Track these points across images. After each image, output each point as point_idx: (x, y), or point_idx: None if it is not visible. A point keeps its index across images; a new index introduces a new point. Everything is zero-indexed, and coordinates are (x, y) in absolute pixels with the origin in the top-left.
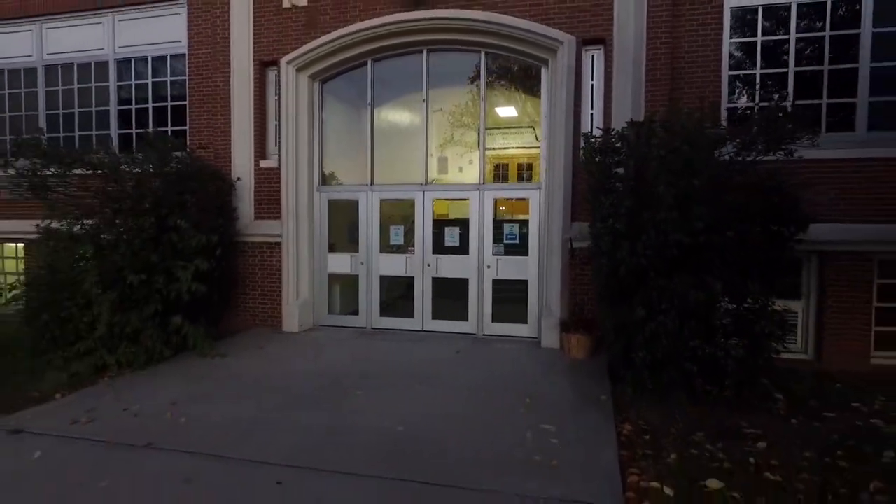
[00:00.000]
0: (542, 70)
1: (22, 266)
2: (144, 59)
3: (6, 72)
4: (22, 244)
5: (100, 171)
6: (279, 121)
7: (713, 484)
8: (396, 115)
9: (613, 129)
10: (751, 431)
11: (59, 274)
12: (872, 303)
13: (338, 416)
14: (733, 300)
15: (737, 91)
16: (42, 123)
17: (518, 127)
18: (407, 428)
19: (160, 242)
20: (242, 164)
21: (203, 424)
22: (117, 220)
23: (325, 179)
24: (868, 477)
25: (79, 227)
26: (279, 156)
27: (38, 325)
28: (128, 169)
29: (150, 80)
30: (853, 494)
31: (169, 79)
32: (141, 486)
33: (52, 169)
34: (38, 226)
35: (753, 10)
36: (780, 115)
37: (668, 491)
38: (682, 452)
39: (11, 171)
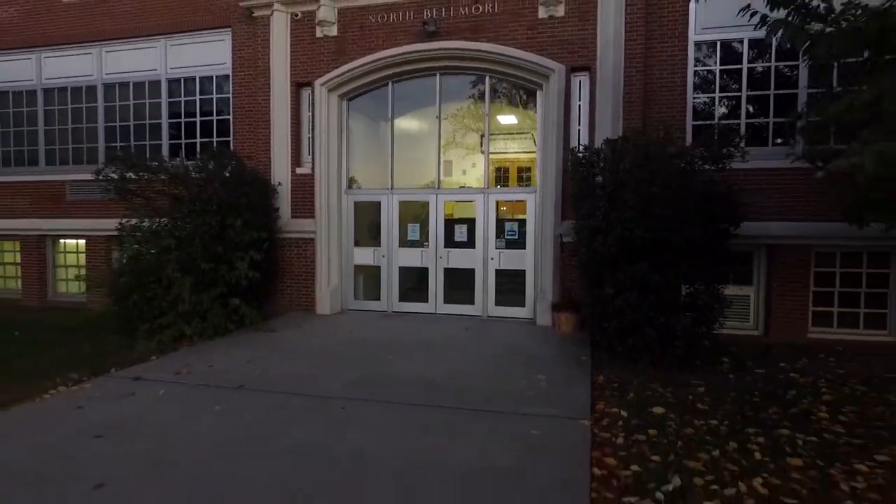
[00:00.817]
0: (538, 91)
1: (83, 260)
2: (193, 78)
3: (69, 89)
4: (84, 240)
5: (165, 177)
6: (312, 133)
7: (657, 410)
8: (413, 128)
9: (594, 147)
10: (696, 382)
11: (144, 262)
12: (810, 287)
13: (377, 371)
14: (686, 282)
15: (700, 111)
16: (101, 135)
17: (518, 133)
18: (433, 378)
19: (222, 237)
20: (281, 170)
21: (274, 375)
22: (188, 219)
23: (351, 184)
24: (769, 406)
25: (156, 224)
26: (312, 164)
27: (128, 304)
28: (195, 175)
29: (197, 97)
30: (756, 416)
31: (214, 96)
32: (247, 410)
33: (130, 175)
34: (120, 224)
35: (713, 43)
36: (715, 136)
37: (623, 413)
38: (639, 394)
39: (103, 178)
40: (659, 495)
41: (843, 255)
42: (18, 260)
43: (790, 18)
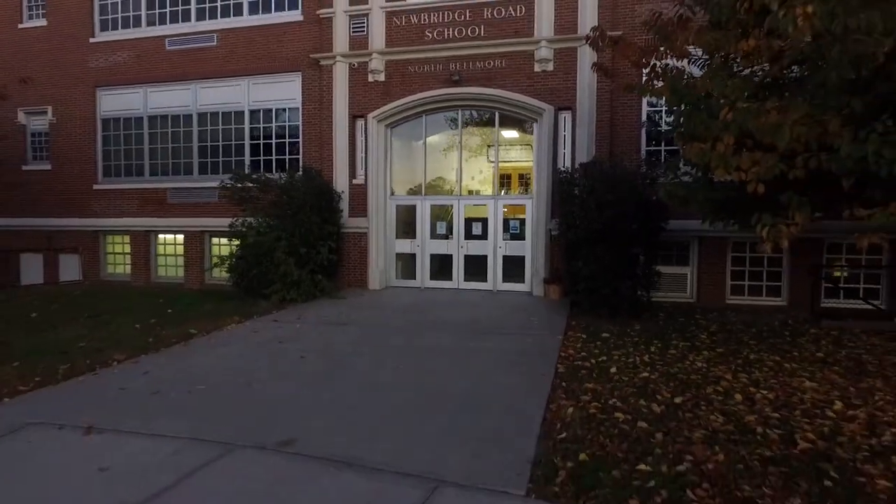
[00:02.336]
0: (534, 123)
1: (180, 250)
2: (270, 110)
3: (170, 117)
4: (182, 235)
5: (269, 188)
6: (365, 153)
7: (604, 335)
8: (440, 149)
9: (573, 168)
10: (635, 324)
11: (260, 248)
12: (728, 267)
13: (425, 318)
14: (630, 260)
15: (650, 140)
16: (195, 152)
17: (521, 146)
18: (464, 320)
19: (311, 230)
20: (341, 181)
21: (361, 320)
22: (290, 218)
23: (393, 191)
24: (674, 334)
25: (261, 221)
26: (365, 176)
27: (248, 278)
28: (294, 183)
29: (273, 124)
30: (662, 337)
31: (287, 124)
32: (356, 333)
33: (247, 184)
34: (232, 223)
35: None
36: (661, 160)
37: (582, 336)
38: (595, 328)
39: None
40: (592, 362)
41: (752, 244)
42: (128, 250)
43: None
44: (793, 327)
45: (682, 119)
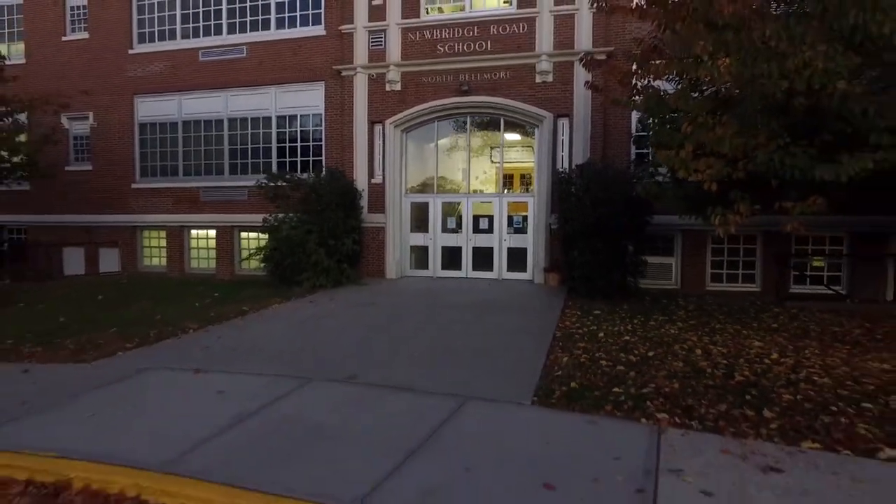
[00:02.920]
0: (536, 128)
1: (211, 244)
2: (295, 116)
3: (202, 122)
4: (214, 230)
5: (298, 186)
6: (382, 155)
7: (595, 312)
8: (450, 151)
9: (570, 169)
10: (624, 304)
11: (291, 241)
12: (708, 257)
13: (439, 301)
14: (621, 251)
15: (639, 144)
16: (226, 154)
17: (522, 148)
18: (474, 302)
19: (336, 225)
20: (361, 180)
21: (384, 303)
22: (318, 214)
23: (408, 189)
24: (656, 312)
25: (291, 217)
26: (382, 176)
27: (283, 266)
28: (321, 183)
29: (298, 129)
30: (645, 314)
31: (310, 128)
32: (384, 311)
33: (274, 184)
34: (265, 219)
35: None
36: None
37: (578, 313)
38: (589, 307)
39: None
40: (584, 330)
41: (729, 237)
42: (163, 244)
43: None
44: (760, 307)
45: (654, 130)
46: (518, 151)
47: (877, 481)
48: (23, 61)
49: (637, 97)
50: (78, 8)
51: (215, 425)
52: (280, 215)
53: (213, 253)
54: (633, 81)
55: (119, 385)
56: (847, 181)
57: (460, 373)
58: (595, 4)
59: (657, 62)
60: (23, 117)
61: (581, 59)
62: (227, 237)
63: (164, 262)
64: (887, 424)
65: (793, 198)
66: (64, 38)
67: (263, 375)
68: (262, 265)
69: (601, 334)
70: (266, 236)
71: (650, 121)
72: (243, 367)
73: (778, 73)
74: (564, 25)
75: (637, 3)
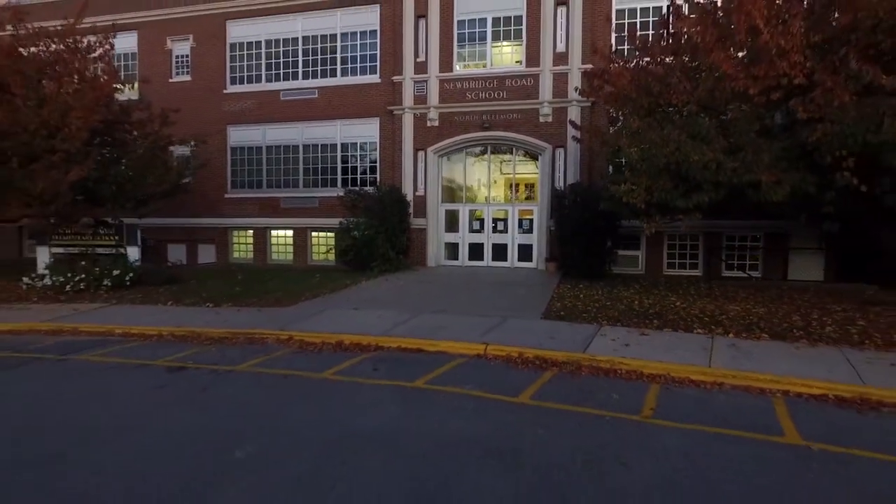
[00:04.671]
0: (540, 155)
1: (290, 241)
2: (355, 143)
3: (282, 146)
4: (291, 231)
5: (366, 197)
6: (424, 174)
7: (581, 285)
8: (475, 171)
9: (564, 187)
10: (601, 283)
11: (364, 238)
12: (664, 250)
13: (472, 279)
14: (601, 247)
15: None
16: (301, 171)
17: (529, 168)
18: (496, 281)
19: (394, 226)
20: (408, 193)
21: (432, 280)
22: (384, 218)
23: (443, 199)
24: (625, 287)
25: (364, 220)
26: (424, 190)
27: (359, 257)
28: (384, 195)
29: (358, 153)
30: (615, 288)
31: (368, 153)
32: (434, 287)
33: (352, 195)
34: (341, 222)
35: None
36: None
37: (568, 286)
38: (576, 284)
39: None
40: (572, 294)
41: (679, 235)
42: (250, 241)
43: None
44: (695, 284)
45: (610, 171)
46: (526, 172)
47: (691, 339)
48: (136, 98)
49: (604, 148)
50: (182, 56)
51: (387, 327)
52: (353, 219)
53: (289, 248)
54: (602, 138)
55: (321, 314)
56: (695, 206)
57: (499, 309)
58: (579, 91)
59: (611, 130)
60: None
61: (570, 122)
62: (302, 236)
63: (250, 255)
64: (709, 326)
65: (676, 214)
66: (170, 80)
67: (392, 310)
68: (335, 257)
69: (581, 296)
70: (331, 234)
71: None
72: (378, 308)
73: (661, 153)
74: (560, 81)
75: (606, 91)
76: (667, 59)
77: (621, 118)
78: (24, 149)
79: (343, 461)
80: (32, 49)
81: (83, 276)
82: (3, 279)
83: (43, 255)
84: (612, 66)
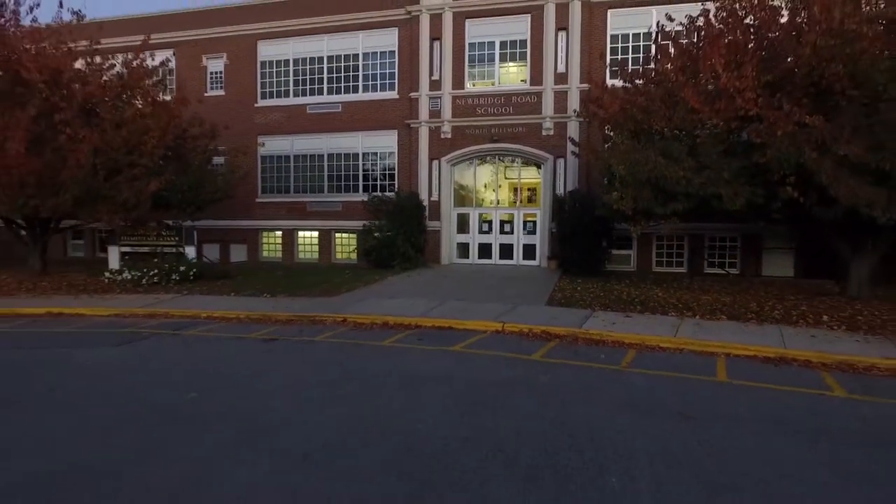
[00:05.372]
0: (543, 164)
1: (315, 241)
2: (375, 153)
3: (308, 155)
4: (316, 232)
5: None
6: (438, 181)
7: (579, 280)
8: (484, 178)
9: (564, 193)
10: (596, 278)
11: (385, 239)
12: (653, 249)
13: (482, 275)
14: (597, 247)
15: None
16: (325, 178)
17: (533, 176)
18: (504, 276)
19: (413, 228)
20: (423, 198)
21: (448, 275)
22: (403, 221)
23: (455, 204)
24: (617, 281)
25: (385, 223)
26: (438, 195)
27: (379, 258)
28: (403, 200)
29: (378, 162)
30: (609, 283)
31: (387, 162)
32: (451, 279)
33: (374, 200)
34: (364, 225)
35: None
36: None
37: (567, 281)
38: (574, 279)
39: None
40: (571, 287)
41: (667, 237)
42: (278, 241)
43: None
44: (679, 280)
45: (605, 182)
46: (530, 179)
47: (664, 320)
48: None
49: (597, 161)
50: (216, 73)
51: (421, 311)
52: (376, 222)
53: (315, 248)
54: (598, 154)
55: (363, 302)
56: (671, 213)
57: (509, 298)
58: (577, 114)
59: (606, 146)
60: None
61: (569, 139)
62: (326, 237)
63: (278, 254)
64: (681, 311)
65: (658, 219)
66: (205, 95)
67: (421, 299)
68: (357, 256)
69: (579, 288)
70: (353, 235)
71: (604, 177)
72: (408, 297)
73: (643, 170)
74: (560, 99)
75: (600, 115)
76: (651, 87)
77: (612, 136)
78: (110, 164)
79: (417, 389)
80: (105, 72)
81: (156, 271)
82: (82, 274)
83: (114, 254)
84: (604, 95)
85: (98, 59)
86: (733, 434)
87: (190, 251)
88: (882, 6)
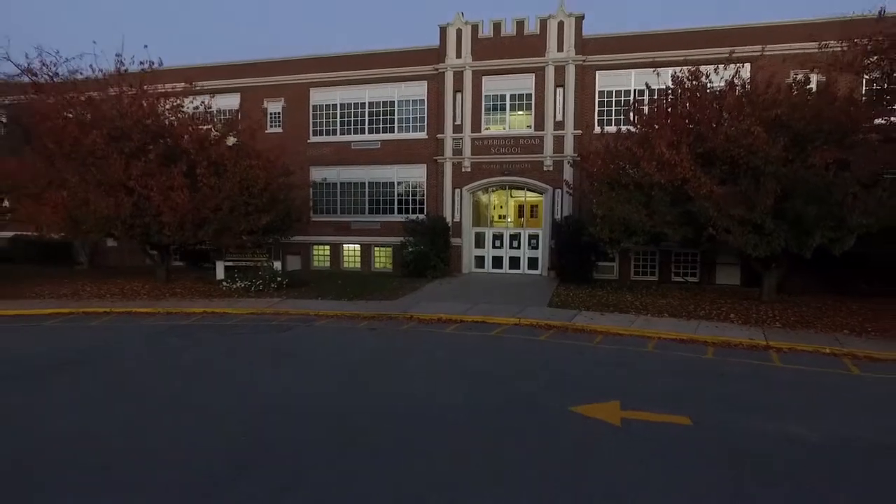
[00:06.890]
0: (545, 193)
1: (358, 253)
2: (408, 182)
3: (353, 183)
4: (358, 246)
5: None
6: (460, 206)
7: (573, 287)
8: (497, 203)
9: (561, 217)
10: (586, 286)
11: (419, 254)
12: (631, 262)
13: (497, 281)
14: (588, 260)
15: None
16: (367, 201)
17: (536, 201)
18: (511, 283)
19: (440, 244)
20: (448, 219)
21: (470, 282)
22: (432, 239)
23: (473, 224)
24: (602, 286)
25: (418, 240)
26: (460, 217)
27: (416, 268)
28: (433, 221)
29: (410, 189)
30: (596, 289)
31: (417, 189)
32: (475, 287)
33: (411, 222)
34: (402, 241)
35: None
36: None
37: (564, 287)
38: (570, 286)
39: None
40: (566, 293)
41: (642, 252)
42: (328, 253)
43: None
44: (648, 287)
45: (594, 210)
46: (534, 204)
47: (627, 317)
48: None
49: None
50: (275, 113)
51: (462, 310)
52: (410, 238)
53: (357, 259)
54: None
55: (419, 304)
56: (634, 243)
57: (520, 301)
58: (571, 164)
59: (592, 185)
60: None
61: (565, 183)
62: (367, 250)
63: (326, 263)
64: (640, 311)
65: (626, 245)
66: (266, 132)
67: (458, 302)
68: (393, 266)
69: (571, 294)
70: (389, 249)
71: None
72: (448, 301)
73: (615, 214)
74: (558, 141)
75: (587, 170)
76: (623, 150)
77: (596, 184)
78: (231, 203)
79: (468, 354)
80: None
81: (262, 280)
82: (197, 283)
83: (220, 267)
84: (591, 156)
85: (201, 107)
86: (637, 369)
87: (277, 264)
88: (767, 111)
